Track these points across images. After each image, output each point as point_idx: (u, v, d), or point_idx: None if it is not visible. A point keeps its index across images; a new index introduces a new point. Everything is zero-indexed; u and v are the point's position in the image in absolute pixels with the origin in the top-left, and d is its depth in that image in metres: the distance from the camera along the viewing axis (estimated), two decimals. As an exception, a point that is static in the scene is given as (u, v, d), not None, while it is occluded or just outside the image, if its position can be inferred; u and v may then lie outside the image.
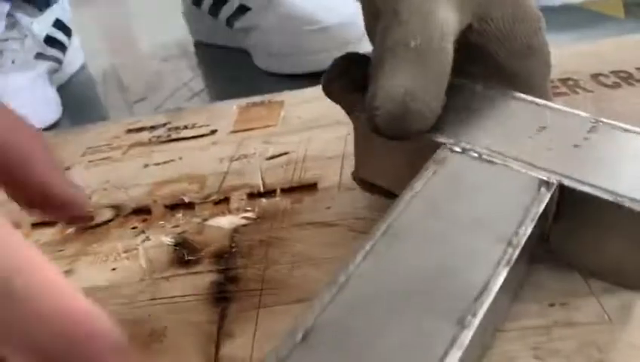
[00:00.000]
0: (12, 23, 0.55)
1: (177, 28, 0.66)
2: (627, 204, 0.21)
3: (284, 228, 0.31)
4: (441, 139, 0.24)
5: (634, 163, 0.23)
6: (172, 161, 0.40)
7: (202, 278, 0.28)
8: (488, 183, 0.23)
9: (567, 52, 0.43)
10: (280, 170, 0.36)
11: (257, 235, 0.31)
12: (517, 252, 0.20)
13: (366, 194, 0.31)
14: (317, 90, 0.48)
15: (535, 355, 0.22)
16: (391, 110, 0.23)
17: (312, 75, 0.50)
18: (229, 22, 0.58)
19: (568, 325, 0.23)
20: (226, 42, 0.60)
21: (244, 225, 0.32)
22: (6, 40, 0.54)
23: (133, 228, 0.34)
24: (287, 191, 0.34)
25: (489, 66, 0.27)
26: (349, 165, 0.32)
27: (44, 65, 0.56)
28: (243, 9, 0.56)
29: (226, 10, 0.58)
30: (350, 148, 0.40)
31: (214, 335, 0.25)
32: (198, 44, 0.64)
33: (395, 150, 0.26)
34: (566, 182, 0.22)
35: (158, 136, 0.44)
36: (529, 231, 0.21)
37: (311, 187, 0.34)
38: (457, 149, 0.24)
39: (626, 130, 0.25)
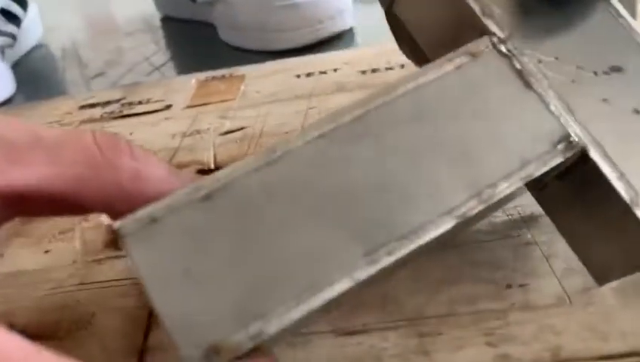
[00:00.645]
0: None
1: (143, 1, 0.63)
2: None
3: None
4: (490, 26, 0.19)
5: None
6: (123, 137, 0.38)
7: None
8: (506, 109, 0.18)
9: None
10: (234, 145, 0.34)
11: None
12: (479, 208, 0.16)
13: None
14: (278, 64, 0.46)
15: (488, 342, 0.20)
16: None
17: (280, 52, 0.48)
18: (193, -6, 0.55)
19: (526, 308, 0.21)
20: (192, 15, 0.57)
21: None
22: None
23: (73, 207, 0.31)
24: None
25: None
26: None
27: (-3, 40, 0.53)
28: (208, -19, 0.54)
29: (191, -17, 0.55)
30: (310, 122, 0.38)
31: (144, 322, 0.23)
32: (165, 19, 0.61)
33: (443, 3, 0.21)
34: (592, 154, 0.17)
35: (111, 112, 0.41)
36: (508, 190, 0.17)
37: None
38: (502, 49, 0.19)
39: None
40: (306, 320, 0.15)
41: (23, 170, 0.16)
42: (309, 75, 0.42)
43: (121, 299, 0.24)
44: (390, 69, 0.40)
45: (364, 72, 0.40)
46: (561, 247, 0.23)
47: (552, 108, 0.18)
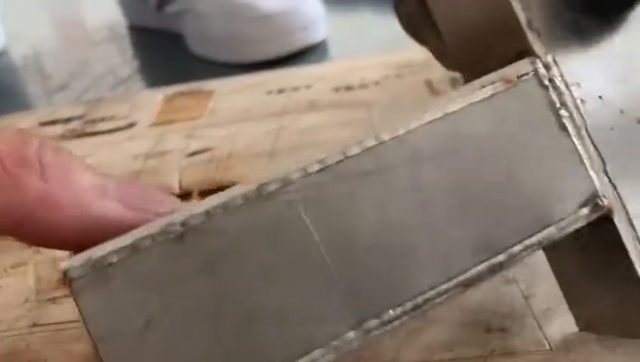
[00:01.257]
0: None
1: (110, 10, 0.61)
2: None
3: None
4: (534, 44, 0.16)
5: None
6: (83, 158, 0.36)
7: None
8: (535, 155, 0.15)
9: None
10: (201, 168, 0.33)
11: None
12: (487, 276, 0.15)
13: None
14: (249, 78, 0.45)
15: (467, 393, 0.19)
16: None
17: (252, 65, 0.46)
18: (160, 5, 0.53)
19: (506, 355, 0.20)
20: (160, 25, 0.55)
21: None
22: None
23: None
24: (206, 193, 0.30)
25: None
26: (278, 163, 0.28)
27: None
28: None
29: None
30: (281, 143, 0.37)
31: (99, 370, 0.21)
32: (132, 28, 0.59)
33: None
34: (616, 219, 0.16)
35: (73, 130, 0.40)
36: (523, 255, 0.15)
37: (232, 189, 0.30)
38: (545, 78, 0.16)
39: None
40: None
41: None
42: (280, 91, 0.40)
43: (76, 343, 0.23)
44: (364, 86, 0.39)
45: (337, 90, 0.39)
46: (540, 286, 0.22)
47: (586, 160, 0.16)
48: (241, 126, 0.36)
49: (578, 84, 0.16)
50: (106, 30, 0.61)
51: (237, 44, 0.48)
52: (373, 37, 0.48)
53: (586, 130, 0.16)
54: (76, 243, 0.14)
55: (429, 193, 0.14)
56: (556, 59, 0.16)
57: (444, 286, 0.14)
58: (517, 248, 0.15)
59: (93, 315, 0.12)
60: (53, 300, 0.25)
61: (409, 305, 0.14)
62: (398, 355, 0.20)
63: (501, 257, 0.15)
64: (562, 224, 0.15)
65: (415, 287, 0.14)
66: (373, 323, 0.14)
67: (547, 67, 0.16)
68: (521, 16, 0.16)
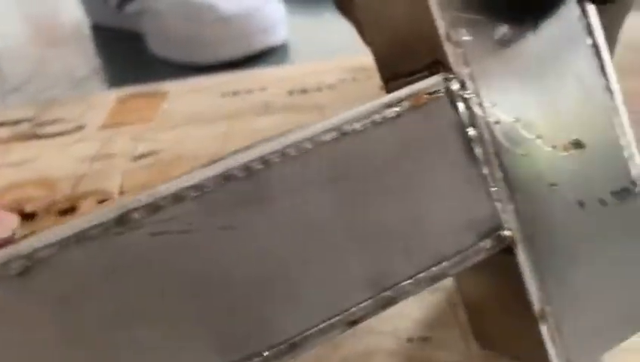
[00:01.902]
0: None
1: (73, 9, 0.60)
2: None
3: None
4: (451, 56, 0.15)
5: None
6: (27, 161, 0.35)
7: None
8: (438, 181, 0.14)
9: None
10: (144, 172, 0.32)
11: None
12: (374, 312, 0.14)
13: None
14: (205, 80, 0.44)
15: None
16: None
17: (211, 66, 0.46)
18: (120, 4, 0.52)
19: (427, 365, 0.20)
20: (121, 24, 0.55)
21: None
22: None
23: (-37, 242, 0.29)
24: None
25: None
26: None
27: None
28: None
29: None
30: (229, 147, 0.36)
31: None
32: (94, 27, 0.59)
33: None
34: (519, 253, 0.15)
35: (22, 133, 0.39)
36: (413, 292, 0.14)
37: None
38: (457, 97, 0.15)
39: None
40: None
41: None
42: (235, 93, 0.40)
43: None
44: (319, 90, 0.39)
45: (291, 93, 0.39)
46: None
47: (492, 188, 0.15)
48: (190, 128, 0.36)
49: (494, 104, 0.15)
50: (70, 29, 0.60)
51: (197, 45, 0.48)
52: (335, 40, 0.47)
53: (497, 155, 0.15)
54: None
55: (315, 223, 0.13)
56: (473, 75, 0.15)
57: (324, 325, 0.13)
58: (407, 284, 0.14)
59: None
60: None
61: (284, 346, 0.13)
62: (320, 366, 0.20)
63: (390, 293, 0.14)
64: (459, 258, 0.14)
65: (291, 327, 0.13)
66: None
67: (462, 84, 0.15)
68: (441, 26, 0.15)
